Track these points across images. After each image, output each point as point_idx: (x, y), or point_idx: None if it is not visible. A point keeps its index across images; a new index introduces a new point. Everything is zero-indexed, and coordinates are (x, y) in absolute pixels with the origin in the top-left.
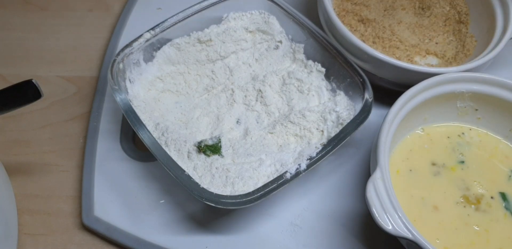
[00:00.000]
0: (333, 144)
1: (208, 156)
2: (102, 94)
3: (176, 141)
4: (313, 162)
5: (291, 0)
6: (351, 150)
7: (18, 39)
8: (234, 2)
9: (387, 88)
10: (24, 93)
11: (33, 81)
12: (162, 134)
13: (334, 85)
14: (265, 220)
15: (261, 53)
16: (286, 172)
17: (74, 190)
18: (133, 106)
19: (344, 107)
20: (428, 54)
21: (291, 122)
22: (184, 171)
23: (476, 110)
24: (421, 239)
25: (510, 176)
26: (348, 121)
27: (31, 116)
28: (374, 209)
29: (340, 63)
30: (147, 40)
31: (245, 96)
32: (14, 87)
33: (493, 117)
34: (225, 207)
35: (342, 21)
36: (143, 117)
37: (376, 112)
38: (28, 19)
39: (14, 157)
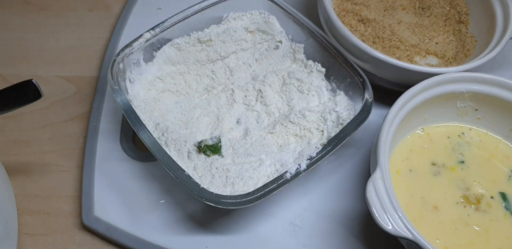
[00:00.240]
0: (333, 144)
1: (208, 156)
2: (102, 94)
3: (176, 141)
4: (313, 162)
5: (291, 0)
6: (351, 150)
7: (18, 39)
8: (234, 2)
9: (387, 88)
10: (24, 93)
11: (33, 81)
12: (162, 134)
13: (334, 85)
14: (265, 220)
15: (261, 53)
16: (286, 172)
17: (74, 190)
18: (133, 106)
19: (344, 107)
20: (428, 54)
21: (291, 122)
22: (184, 171)
23: (476, 110)
24: (421, 239)
25: (510, 176)
26: (348, 121)
27: (31, 116)
28: (374, 209)
29: (340, 63)
30: (147, 40)
31: (245, 96)
32: (14, 87)
33: (493, 117)
34: (225, 207)
35: (342, 21)
36: (143, 117)
37: (376, 112)
38: (28, 19)
39: (14, 157)
